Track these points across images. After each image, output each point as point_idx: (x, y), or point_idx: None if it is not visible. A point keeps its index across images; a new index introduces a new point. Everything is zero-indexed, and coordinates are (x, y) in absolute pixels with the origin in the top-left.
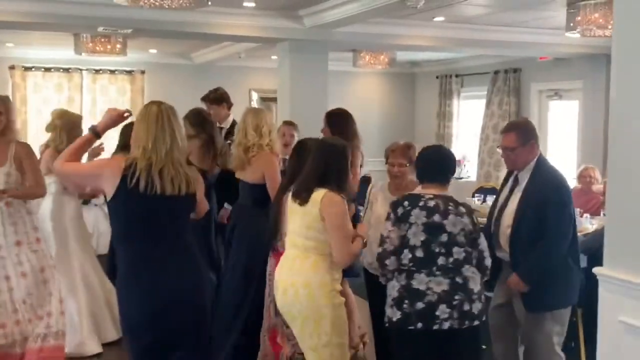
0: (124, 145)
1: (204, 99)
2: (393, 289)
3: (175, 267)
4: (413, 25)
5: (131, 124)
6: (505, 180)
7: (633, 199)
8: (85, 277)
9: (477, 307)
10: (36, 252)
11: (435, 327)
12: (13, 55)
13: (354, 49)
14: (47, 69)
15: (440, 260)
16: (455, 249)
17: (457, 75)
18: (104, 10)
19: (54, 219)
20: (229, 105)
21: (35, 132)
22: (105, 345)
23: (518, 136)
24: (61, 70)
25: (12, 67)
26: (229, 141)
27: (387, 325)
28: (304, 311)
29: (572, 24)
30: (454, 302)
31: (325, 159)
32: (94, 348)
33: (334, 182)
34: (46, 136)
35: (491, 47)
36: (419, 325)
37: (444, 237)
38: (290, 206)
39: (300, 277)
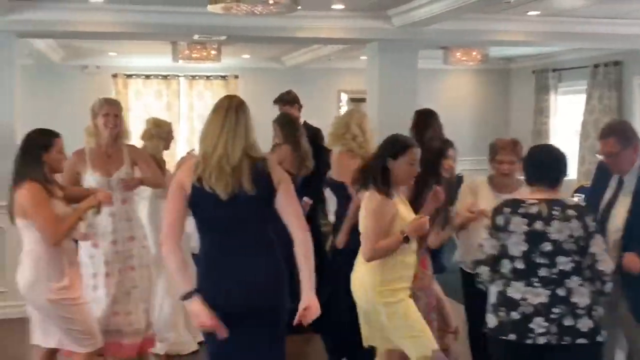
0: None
1: (277, 101)
2: (492, 294)
3: (239, 263)
4: (506, 20)
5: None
6: (599, 179)
7: None
8: None
9: (584, 323)
10: (144, 249)
11: (529, 341)
12: (115, 64)
13: (444, 47)
14: (147, 76)
15: (543, 272)
16: (561, 259)
17: (554, 70)
18: (199, 19)
19: (152, 221)
20: (300, 106)
21: (136, 137)
22: (200, 344)
23: (618, 140)
24: (160, 77)
25: (114, 76)
26: None
27: (485, 330)
28: (361, 305)
29: None
30: (552, 316)
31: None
32: (191, 346)
33: (373, 180)
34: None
35: (590, 40)
36: (512, 336)
37: (547, 247)
38: None
39: (358, 274)
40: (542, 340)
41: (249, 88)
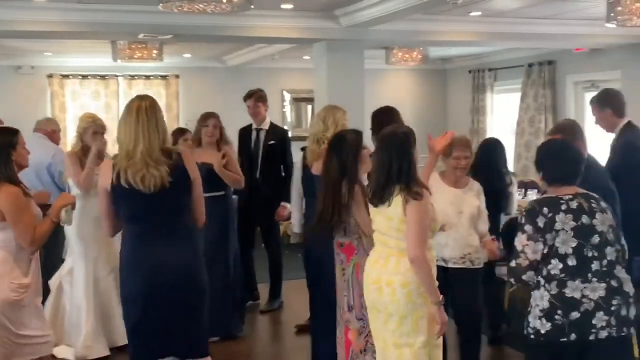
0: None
1: (250, 96)
2: (542, 299)
3: (160, 250)
4: (448, 21)
5: (178, 132)
6: None
7: None
8: (100, 279)
9: (632, 311)
10: None
11: (592, 337)
12: (51, 64)
13: (386, 47)
14: (84, 77)
15: (595, 265)
16: (608, 250)
17: (490, 69)
18: (144, 17)
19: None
20: (267, 107)
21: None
22: (115, 349)
23: (564, 137)
24: (98, 77)
25: (50, 76)
26: (272, 141)
27: (531, 337)
28: (402, 310)
29: (612, 14)
30: (612, 308)
31: (388, 152)
32: (101, 351)
33: (404, 177)
34: None
35: (527, 40)
36: (572, 336)
37: (596, 239)
38: (370, 205)
39: (399, 276)
40: (603, 335)
41: (190, 87)
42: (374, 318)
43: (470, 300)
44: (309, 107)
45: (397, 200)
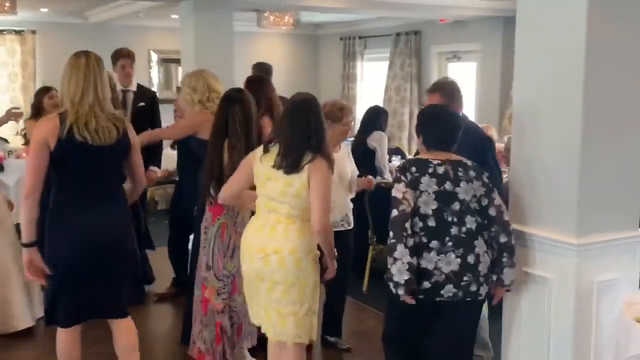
0: (37, 112)
1: (127, 55)
2: (403, 257)
3: (101, 211)
4: None
5: (43, 90)
6: None
7: (535, 157)
8: None
9: (484, 289)
10: None
11: (437, 299)
12: None
13: (257, 9)
14: None
15: (454, 230)
16: (468, 218)
17: (360, 37)
18: None
19: None
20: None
21: None
22: (15, 334)
23: (442, 97)
24: None
25: None
26: (142, 103)
27: (392, 290)
28: (289, 278)
29: None
30: (462, 284)
31: (306, 117)
32: (19, 323)
33: (319, 145)
34: None
35: (393, 9)
36: (421, 296)
37: (457, 206)
38: (266, 170)
39: (288, 244)
40: (448, 298)
41: (48, 44)
42: (256, 287)
43: (345, 260)
44: (179, 68)
45: (305, 167)
